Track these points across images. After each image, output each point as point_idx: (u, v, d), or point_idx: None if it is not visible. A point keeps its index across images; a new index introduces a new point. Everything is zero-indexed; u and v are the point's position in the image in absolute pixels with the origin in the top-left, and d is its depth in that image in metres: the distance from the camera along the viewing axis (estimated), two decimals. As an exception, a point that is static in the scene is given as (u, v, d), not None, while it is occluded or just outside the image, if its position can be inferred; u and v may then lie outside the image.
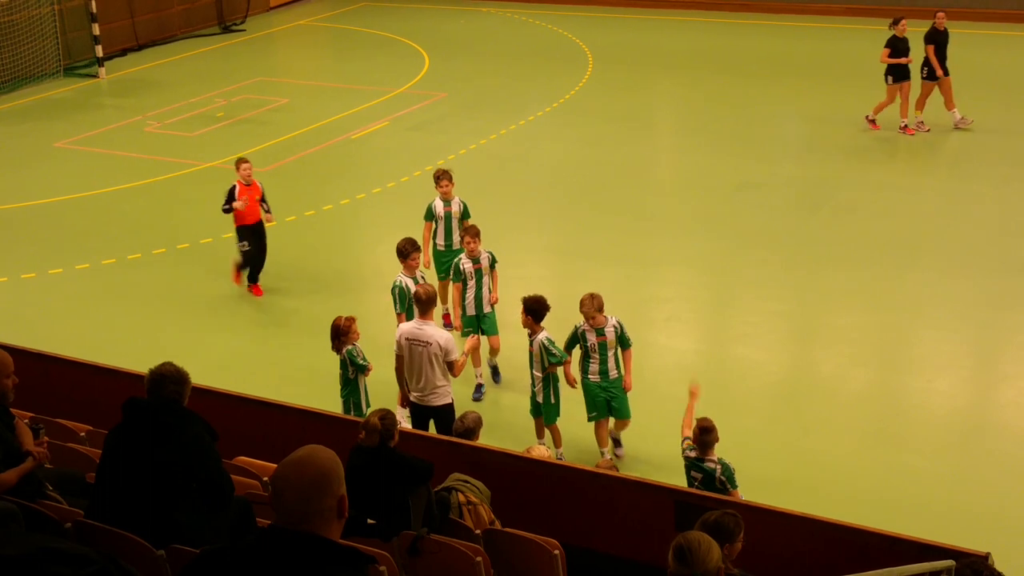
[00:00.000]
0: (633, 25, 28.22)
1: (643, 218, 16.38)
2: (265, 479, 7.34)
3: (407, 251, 11.07)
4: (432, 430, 9.94)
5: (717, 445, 8.53)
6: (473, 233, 11.58)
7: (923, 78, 18.92)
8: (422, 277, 11.22)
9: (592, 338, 10.12)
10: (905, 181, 17.30)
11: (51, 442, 7.60)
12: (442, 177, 12.64)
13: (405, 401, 10.36)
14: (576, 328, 10.19)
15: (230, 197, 13.41)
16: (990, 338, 12.85)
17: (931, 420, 11.28)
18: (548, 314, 10.30)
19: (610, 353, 10.16)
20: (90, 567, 4.36)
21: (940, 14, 19.01)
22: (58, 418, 8.50)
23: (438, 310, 11.36)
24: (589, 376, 10.24)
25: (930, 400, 11.59)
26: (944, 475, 10.30)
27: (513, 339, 11.58)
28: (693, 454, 8.55)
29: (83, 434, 8.27)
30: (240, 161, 13.63)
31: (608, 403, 10.26)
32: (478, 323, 11.76)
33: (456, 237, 12.45)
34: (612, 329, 10.13)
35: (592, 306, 10.00)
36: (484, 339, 11.86)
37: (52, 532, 5.61)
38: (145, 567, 5.52)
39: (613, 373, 10.22)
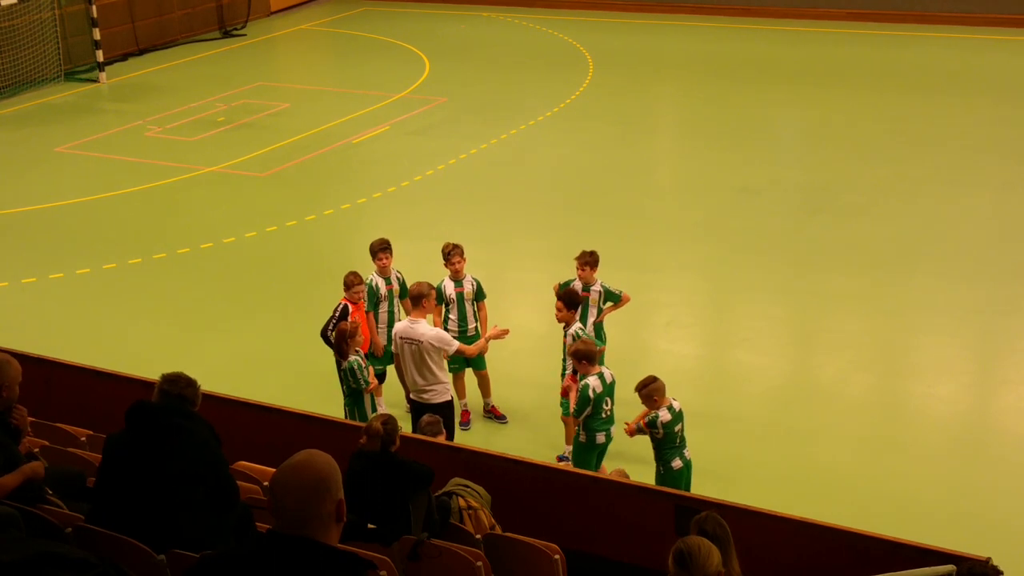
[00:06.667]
0: (633, 29, 28.23)
1: (643, 222, 16.38)
2: (265, 484, 7.33)
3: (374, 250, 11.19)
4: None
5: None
6: (459, 252, 11.01)
7: None
8: (398, 275, 11.28)
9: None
10: (906, 185, 17.29)
11: (51, 446, 7.62)
12: (453, 253, 11.00)
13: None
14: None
15: (342, 318, 10.64)
16: (991, 343, 12.84)
17: (932, 425, 11.28)
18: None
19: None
20: (90, 572, 4.36)
21: None
22: (58, 423, 8.50)
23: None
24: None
25: (931, 405, 11.58)
26: (945, 480, 10.30)
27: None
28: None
29: (83, 439, 8.25)
30: (354, 278, 10.94)
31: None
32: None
33: (472, 323, 11.08)
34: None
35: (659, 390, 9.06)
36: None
37: (52, 537, 5.60)
38: (146, 572, 5.51)
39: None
